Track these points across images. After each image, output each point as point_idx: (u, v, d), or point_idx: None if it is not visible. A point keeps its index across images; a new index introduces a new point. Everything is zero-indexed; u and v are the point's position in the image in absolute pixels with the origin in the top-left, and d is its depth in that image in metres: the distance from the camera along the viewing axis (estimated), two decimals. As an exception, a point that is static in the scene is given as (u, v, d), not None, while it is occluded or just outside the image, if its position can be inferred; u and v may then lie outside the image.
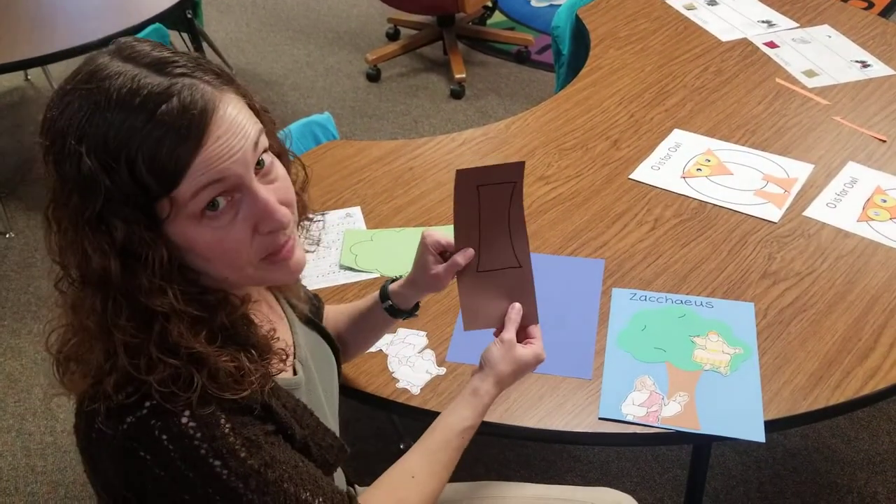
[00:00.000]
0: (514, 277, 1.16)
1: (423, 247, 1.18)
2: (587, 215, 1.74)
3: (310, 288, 1.28)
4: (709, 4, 2.51)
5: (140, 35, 2.54)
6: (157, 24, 2.66)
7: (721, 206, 1.75)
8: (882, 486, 2.12)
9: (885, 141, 1.93)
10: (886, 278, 1.57)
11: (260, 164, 0.88)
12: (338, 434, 1.10)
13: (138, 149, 0.81)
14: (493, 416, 1.32)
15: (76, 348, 0.90)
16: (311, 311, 1.20)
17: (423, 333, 1.48)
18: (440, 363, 1.42)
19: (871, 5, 4.15)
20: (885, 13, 4.12)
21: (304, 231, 1.04)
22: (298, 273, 0.96)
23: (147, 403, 0.87)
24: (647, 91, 2.12)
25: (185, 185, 0.83)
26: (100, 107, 0.81)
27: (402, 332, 1.48)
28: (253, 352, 0.93)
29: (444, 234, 1.18)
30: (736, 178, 1.83)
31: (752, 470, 2.16)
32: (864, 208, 1.73)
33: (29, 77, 3.81)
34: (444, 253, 1.18)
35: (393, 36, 4.20)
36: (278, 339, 0.99)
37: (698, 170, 1.85)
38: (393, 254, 1.65)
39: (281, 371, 0.99)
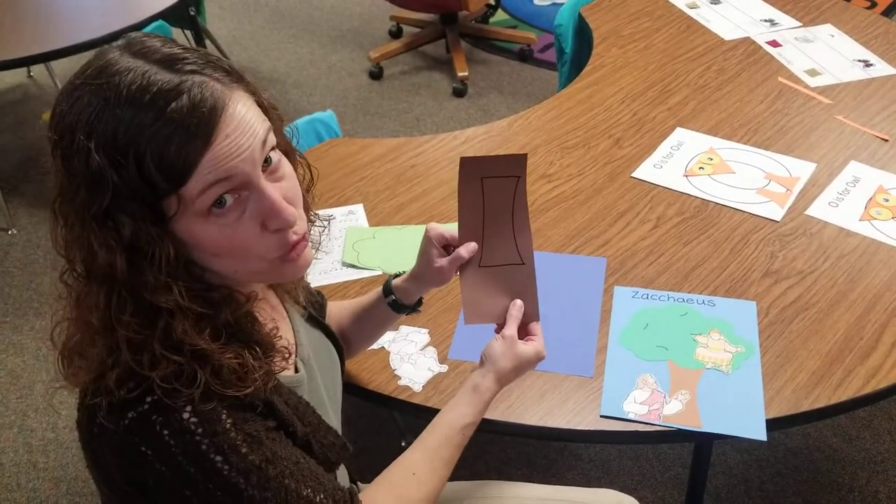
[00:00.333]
0: (517, 274, 1.16)
1: (427, 240, 1.18)
2: (589, 213, 1.74)
3: (312, 285, 1.28)
4: (712, 3, 2.51)
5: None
6: (161, 21, 2.67)
7: (723, 205, 1.75)
8: (883, 485, 2.12)
9: (887, 140, 1.93)
10: (888, 277, 1.57)
11: (267, 161, 0.89)
12: (340, 432, 1.10)
13: (147, 146, 0.81)
14: (495, 414, 1.33)
15: (79, 343, 0.90)
16: (314, 308, 1.20)
17: (425, 331, 1.48)
18: (442, 360, 1.43)
19: (873, 4, 4.14)
20: (887, 12, 4.12)
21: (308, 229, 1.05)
22: (305, 270, 0.97)
23: (149, 399, 0.87)
24: (650, 89, 2.12)
25: (193, 183, 0.83)
26: (109, 103, 0.82)
27: (404, 329, 1.48)
28: (257, 349, 0.94)
29: (448, 227, 1.18)
30: (738, 176, 1.83)
31: (753, 468, 2.16)
32: (866, 207, 1.73)
33: (32, 74, 3.82)
34: (447, 247, 1.18)
35: (396, 34, 4.20)
36: (280, 337, 0.99)
37: (700, 168, 1.85)
38: (395, 251, 1.65)
39: (283, 369, 1.00)
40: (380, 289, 1.28)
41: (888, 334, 1.45)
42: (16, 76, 3.80)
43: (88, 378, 0.90)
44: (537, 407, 1.35)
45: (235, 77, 0.88)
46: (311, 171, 1.03)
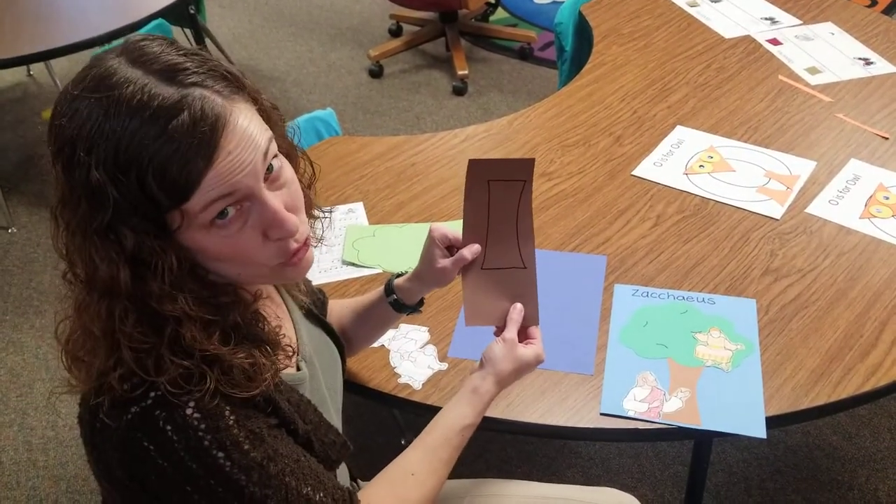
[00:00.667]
0: (518, 278, 1.17)
1: (431, 240, 1.18)
2: (589, 211, 1.74)
3: (312, 283, 1.29)
4: (712, 1, 2.51)
5: (142, 31, 2.54)
6: (160, 20, 2.67)
7: (723, 203, 1.75)
8: (883, 483, 2.12)
9: (887, 138, 1.93)
10: (888, 275, 1.57)
11: (269, 169, 0.89)
12: (341, 430, 1.10)
13: (149, 163, 0.81)
14: (495, 412, 1.33)
15: (80, 345, 0.90)
16: (315, 306, 1.20)
17: (425, 329, 1.48)
18: (442, 358, 1.43)
19: (874, 3, 4.14)
20: (888, 11, 4.11)
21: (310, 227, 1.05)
22: (307, 271, 0.97)
23: (152, 394, 0.87)
24: (650, 87, 2.12)
25: (196, 199, 0.83)
26: (109, 117, 0.81)
27: (404, 327, 1.48)
28: (266, 347, 0.94)
29: (452, 228, 1.18)
30: (738, 174, 1.83)
31: (753, 466, 2.16)
32: (866, 205, 1.73)
33: (31, 73, 3.81)
34: (451, 248, 1.18)
35: (395, 32, 4.20)
36: (284, 335, 0.99)
37: (701, 166, 1.85)
38: (395, 249, 1.65)
39: (286, 367, 1.00)
40: (381, 288, 1.28)
41: (888, 332, 1.45)
42: (15, 74, 3.80)
43: (90, 381, 0.90)
44: (537, 405, 1.35)
45: (236, 85, 0.88)
46: (312, 166, 1.03)
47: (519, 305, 1.16)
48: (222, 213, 0.85)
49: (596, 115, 2.03)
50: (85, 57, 2.72)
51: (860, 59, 2.23)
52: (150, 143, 0.80)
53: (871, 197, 1.75)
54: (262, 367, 0.92)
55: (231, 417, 0.89)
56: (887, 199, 1.75)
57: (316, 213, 1.04)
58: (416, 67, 3.96)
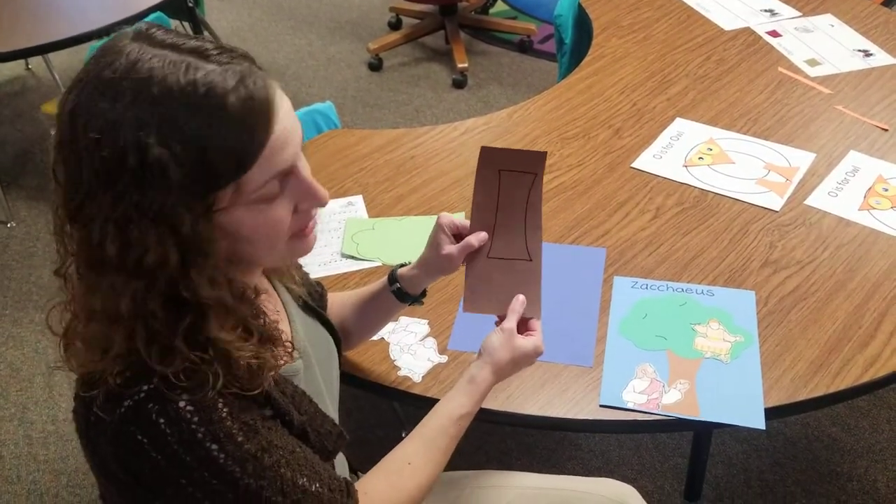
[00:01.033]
0: (523, 270, 1.17)
1: (438, 227, 1.19)
2: (589, 204, 1.74)
3: (312, 276, 1.29)
4: (711, -7, 2.51)
5: (141, 24, 2.54)
6: (159, 13, 2.66)
7: (722, 195, 1.75)
8: (882, 474, 2.12)
9: (886, 130, 1.93)
10: (887, 267, 1.57)
11: None
12: (337, 421, 1.11)
13: (212, 137, 0.81)
14: (495, 404, 1.33)
15: (86, 332, 0.90)
16: (313, 298, 1.20)
17: (424, 322, 1.48)
18: (442, 351, 1.43)
19: (874, -6, 4.13)
20: (888, 2, 4.10)
21: None
22: (312, 247, 0.98)
23: (145, 387, 0.87)
24: (650, 80, 2.12)
25: (253, 174, 0.84)
26: (163, 96, 0.81)
27: (403, 320, 1.48)
28: (270, 345, 0.94)
29: (460, 217, 1.20)
30: (738, 166, 1.83)
31: (752, 458, 2.16)
32: (865, 197, 1.73)
33: (30, 66, 3.81)
34: (457, 236, 1.19)
35: (395, 25, 4.19)
36: (282, 331, 0.99)
37: (700, 158, 1.85)
38: (394, 242, 1.65)
39: (285, 363, 1.00)
40: (384, 278, 1.28)
41: (887, 323, 1.45)
42: (14, 68, 3.79)
43: (89, 366, 0.90)
44: (537, 396, 1.35)
45: (253, 62, 0.89)
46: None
47: (521, 297, 1.16)
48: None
49: (595, 107, 2.03)
50: (83, 50, 2.72)
51: (860, 50, 2.22)
52: (211, 117, 0.81)
53: (870, 188, 1.75)
54: (265, 365, 0.92)
55: (224, 409, 0.89)
56: (886, 190, 1.75)
57: None
58: (415, 60, 3.95)
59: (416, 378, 1.38)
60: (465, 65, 3.75)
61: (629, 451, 2.19)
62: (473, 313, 1.19)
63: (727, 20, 2.37)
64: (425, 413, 1.13)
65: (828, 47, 2.24)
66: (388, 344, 1.44)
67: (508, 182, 1.15)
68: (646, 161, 1.85)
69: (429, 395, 1.35)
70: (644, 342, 1.42)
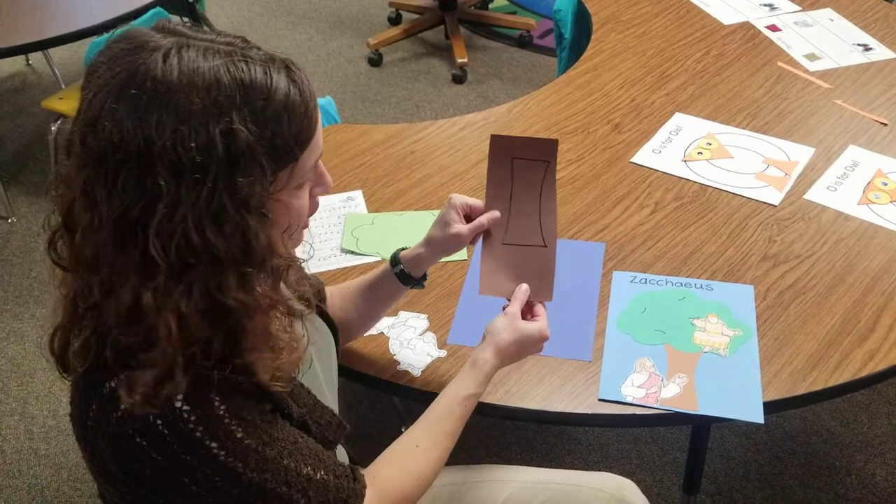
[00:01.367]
0: (538, 255, 1.21)
1: (450, 206, 1.22)
2: (588, 199, 1.74)
3: (311, 271, 1.29)
4: (711, -12, 2.51)
5: (140, 20, 2.54)
6: (158, 8, 2.66)
7: (722, 190, 1.75)
8: (880, 468, 2.13)
9: (886, 124, 1.93)
10: (886, 261, 1.57)
11: None
12: (337, 411, 1.11)
13: (282, 122, 0.86)
14: (494, 398, 1.33)
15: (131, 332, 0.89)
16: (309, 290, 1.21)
17: (424, 316, 1.48)
18: (441, 346, 1.43)
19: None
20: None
21: None
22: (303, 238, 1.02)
23: (140, 390, 0.87)
24: (649, 75, 2.12)
25: (306, 157, 0.90)
26: (229, 89, 0.83)
27: (403, 314, 1.48)
28: (291, 355, 0.95)
29: (472, 199, 1.23)
30: (737, 161, 1.83)
31: (751, 452, 2.17)
32: (864, 191, 1.73)
33: (30, 62, 3.81)
34: (467, 218, 1.22)
35: (394, 20, 4.19)
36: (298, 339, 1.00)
37: (699, 153, 1.85)
38: (394, 237, 1.66)
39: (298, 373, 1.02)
40: (386, 262, 1.29)
41: (885, 317, 1.46)
42: (14, 64, 3.79)
43: (84, 366, 0.90)
44: (536, 391, 1.35)
45: None
46: None
47: (525, 286, 1.20)
48: None
49: (595, 102, 2.03)
50: (84, 46, 2.72)
51: (859, 45, 2.22)
52: (278, 105, 0.85)
53: (869, 183, 1.76)
54: (284, 378, 0.94)
55: (221, 407, 0.89)
56: (885, 185, 1.75)
57: None
58: (415, 55, 3.95)
59: (416, 372, 1.38)
60: (465, 60, 3.75)
61: (628, 445, 2.20)
62: (487, 296, 1.23)
63: (726, 15, 2.37)
64: (425, 407, 1.14)
65: (827, 42, 2.24)
66: (387, 338, 1.44)
67: (521, 170, 1.18)
68: (645, 156, 1.85)
69: (428, 389, 1.36)
70: (643, 336, 1.42)
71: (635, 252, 1.61)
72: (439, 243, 1.23)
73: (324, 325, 1.21)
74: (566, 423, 1.37)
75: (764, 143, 1.88)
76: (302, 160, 0.89)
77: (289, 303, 0.96)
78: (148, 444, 0.87)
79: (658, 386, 1.33)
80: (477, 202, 1.21)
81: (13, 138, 3.41)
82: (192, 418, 0.87)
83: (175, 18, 3.10)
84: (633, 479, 1.40)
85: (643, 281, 1.54)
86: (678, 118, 1.96)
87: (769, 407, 1.32)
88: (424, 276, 1.30)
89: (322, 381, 1.14)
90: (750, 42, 2.25)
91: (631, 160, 1.84)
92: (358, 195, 1.77)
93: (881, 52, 2.19)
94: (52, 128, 2.95)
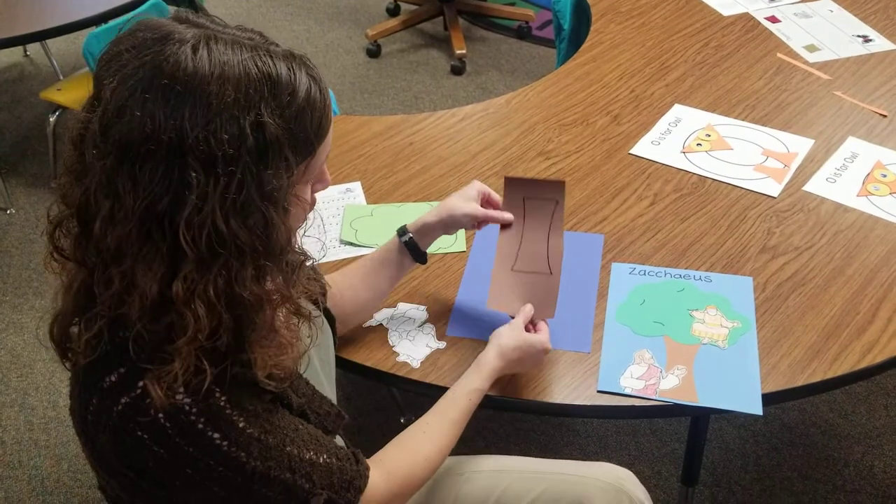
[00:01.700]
0: (543, 281, 1.33)
1: (473, 185, 1.33)
2: (587, 190, 1.74)
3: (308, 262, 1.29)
4: (710, -21, 2.50)
5: (139, 10, 2.53)
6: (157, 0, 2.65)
7: (721, 181, 1.75)
8: (878, 459, 2.13)
9: (885, 116, 1.92)
10: (885, 253, 1.57)
11: None
12: (335, 402, 1.12)
13: (306, 116, 0.88)
14: (493, 390, 1.33)
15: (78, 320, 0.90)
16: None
17: (423, 308, 1.48)
18: (440, 337, 1.43)
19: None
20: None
21: None
22: None
23: (140, 383, 0.87)
24: (648, 66, 2.12)
25: (321, 151, 0.93)
26: (257, 82, 0.84)
27: (402, 306, 1.48)
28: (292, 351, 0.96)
29: (496, 195, 1.37)
30: (736, 152, 1.83)
31: (749, 443, 2.17)
32: (863, 183, 1.73)
33: (28, 53, 3.80)
34: (484, 206, 1.35)
35: (393, 11, 4.18)
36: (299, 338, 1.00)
37: (698, 145, 1.85)
38: (393, 228, 1.65)
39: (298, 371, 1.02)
40: (393, 235, 1.35)
41: (884, 309, 1.46)
42: (12, 55, 3.78)
43: (84, 359, 0.90)
44: (535, 382, 1.35)
45: None
46: None
47: (529, 306, 1.31)
48: None
49: (594, 93, 2.03)
50: (82, 37, 2.71)
51: (859, 36, 2.22)
52: (305, 93, 0.87)
53: (868, 174, 1.76)
54: (287, 377, 0.95)
55: (222, 398, 0.89)
56: (885, 176, 1.75)
57: None
58: (414, 47, 3.94)
59: (415, 364, 1.39)
60: (464, 51, 3.74)
61: (627, 437, 2.20)
62: (492, 309, 1.35)
63: (726, 6, 2.37)
64: (424, 399, 1.17)
65: (827, 33, 2.23)
66: (386, 330, 1.44)
67: (532, 208, 1.34)
68: (644, 147, 1.85)
69: (427, 380, 1.36)
70: (642, 328, 1.42)
71: (634, 244, 1.61)
72: (450, 210, 1.30)
73: (320, 313, 1.21)
74: (565, 414, 1.37)
75: (763, 134, 1.88)
76: (317, 154, 0.92)
77: (298, 302, 0.96)
78: (150, 438, 0.87)
79: (657, 377, 1.34)
80: (498, 198, 1.35)
81: (11, 129, 3.40)
82: (194, 410, 0.87)
83: (172, 10, 3.09)
84: (631, 470, 1.40)
85: (642, 272, 1.54)
86: (677, 109, 1.96)
87: (768, 398, 1.32)
88: (426, 256, 1.36)
89: (320, 372, 1.14)
90: (749, 33, 2.24)
91: (630, 151, 1.84)
92: (357, 186, 1.77)
93: (881, 44, 2.18)
94: (51, 119, 2.94)
